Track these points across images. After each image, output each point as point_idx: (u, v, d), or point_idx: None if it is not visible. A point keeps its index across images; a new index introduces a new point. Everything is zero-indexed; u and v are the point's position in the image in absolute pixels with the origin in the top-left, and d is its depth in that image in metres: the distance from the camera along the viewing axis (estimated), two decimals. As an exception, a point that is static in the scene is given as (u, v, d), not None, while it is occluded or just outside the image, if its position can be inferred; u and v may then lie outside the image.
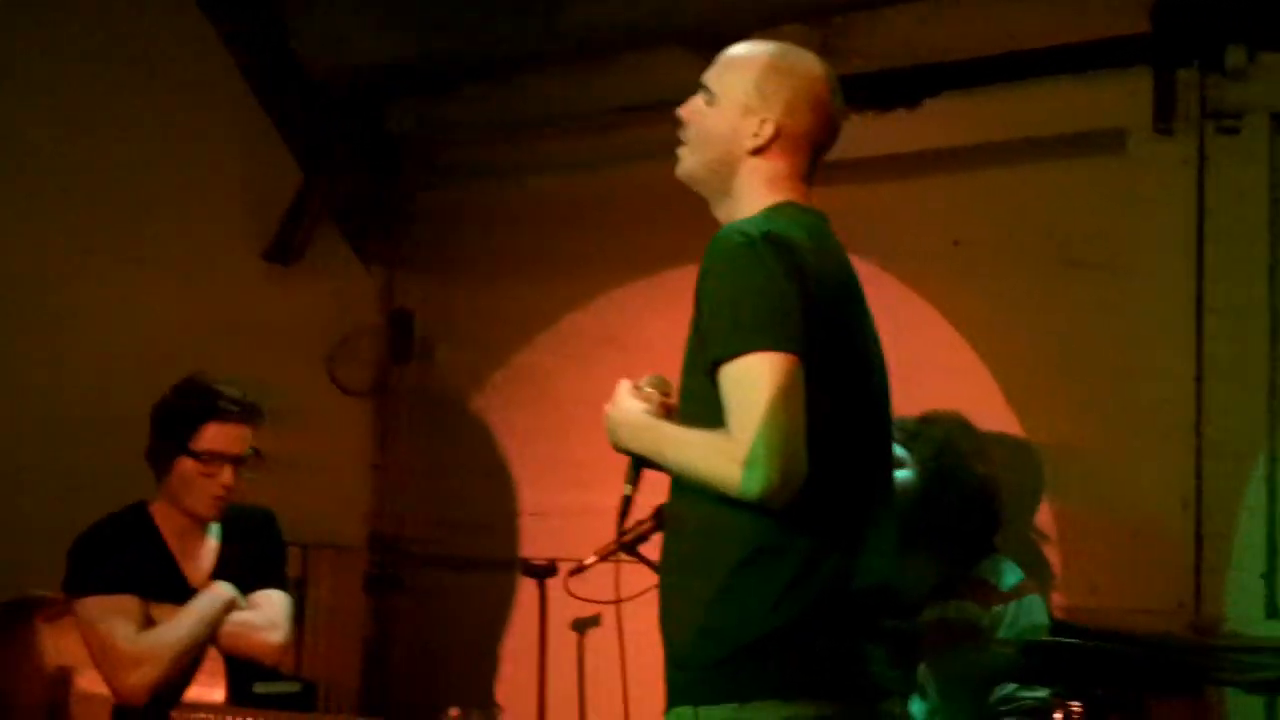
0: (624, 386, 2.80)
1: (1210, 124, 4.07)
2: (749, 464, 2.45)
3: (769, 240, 2.56)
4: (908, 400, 4.17)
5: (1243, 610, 3.97)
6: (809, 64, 2.81)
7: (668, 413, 2.76)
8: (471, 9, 4.97)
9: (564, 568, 4.15)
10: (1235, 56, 4.03)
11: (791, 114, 2.75)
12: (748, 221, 2.64)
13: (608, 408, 2.79)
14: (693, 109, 2.82)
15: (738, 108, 2.76)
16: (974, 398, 4.35)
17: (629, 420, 2.75)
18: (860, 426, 2.66)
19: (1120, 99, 4.19)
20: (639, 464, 2.80)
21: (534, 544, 5.13)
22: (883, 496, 2.73)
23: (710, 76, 2.82)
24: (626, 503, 2.87)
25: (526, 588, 4.72)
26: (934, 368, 4.47)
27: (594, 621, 4.62)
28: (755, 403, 2.46)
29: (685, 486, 2.65)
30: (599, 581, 3.52)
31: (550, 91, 5.19)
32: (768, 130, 2.74)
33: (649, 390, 2.80)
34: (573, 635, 4.24)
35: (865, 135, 4.56)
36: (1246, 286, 4.00)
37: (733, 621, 2.55)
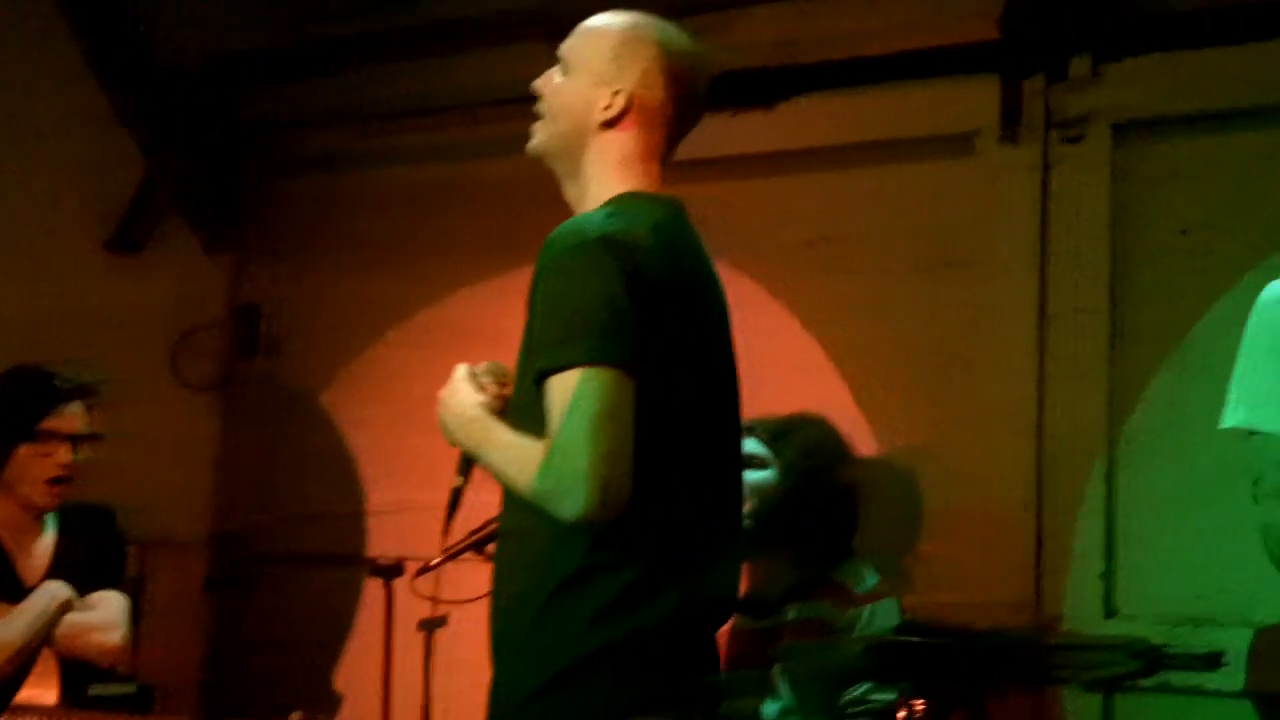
0: (460, 371, 2.61)
1: (1055, 132, 4.14)
2: (569, 485, 2.31)
3: (607, 243, 2.39)
4: (763, 401, 4.17)
5: (1081, 609, 4.05)
6: (670, 35, 2.63)
7: (504, 404, 2.57)
8: (331, -3, 4.91)
9: (412, 566, 4.13)
10: (1079, 66, 4.11)
11: (647, 86, 2.58)
12: (587, 219, 2.48)
13: (442, 393, 2.60)
14: (548, 81, 2.66)
15: (591, 78, 2.59)
16: (827, 398, 4.38)
17: (460, 410, 2.55)
18: (703, 435, 2.53)
19: (970, 104, 4.25)
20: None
21: (382, 542, 5.07)
22: (728, 504, 2.62)
23: (566, 47, 2.66)
24: (456, 495, 2.70)
25: (373, 587, 4.64)
26: (788, 367, 4.49)
27: (441, 622, 4.58)
28: (579, 420, 2.31)
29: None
30: (448, 580, 3.48)
31: (409, 82, 5.14)
32: (620, 102, 2.57)
33: (485, 379, 2.60)
34: (420, 635, 4.20)
35: (723, 134, 4.57)
36: (1087, 290, 4.08)
37: (549, 645, 2.42)
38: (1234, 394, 2.65)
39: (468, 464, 2.67)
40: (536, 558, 2.46)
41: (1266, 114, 3.92)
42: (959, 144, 4.28)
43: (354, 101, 5.27)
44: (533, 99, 2.70)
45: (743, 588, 3.84)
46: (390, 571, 4.40)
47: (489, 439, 2.50)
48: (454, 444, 2.60)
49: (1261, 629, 3.78)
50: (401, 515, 5.10)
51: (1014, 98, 4.17)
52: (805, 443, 3.87)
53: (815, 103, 4.50)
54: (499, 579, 2.56)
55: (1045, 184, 4.16)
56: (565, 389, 2.34)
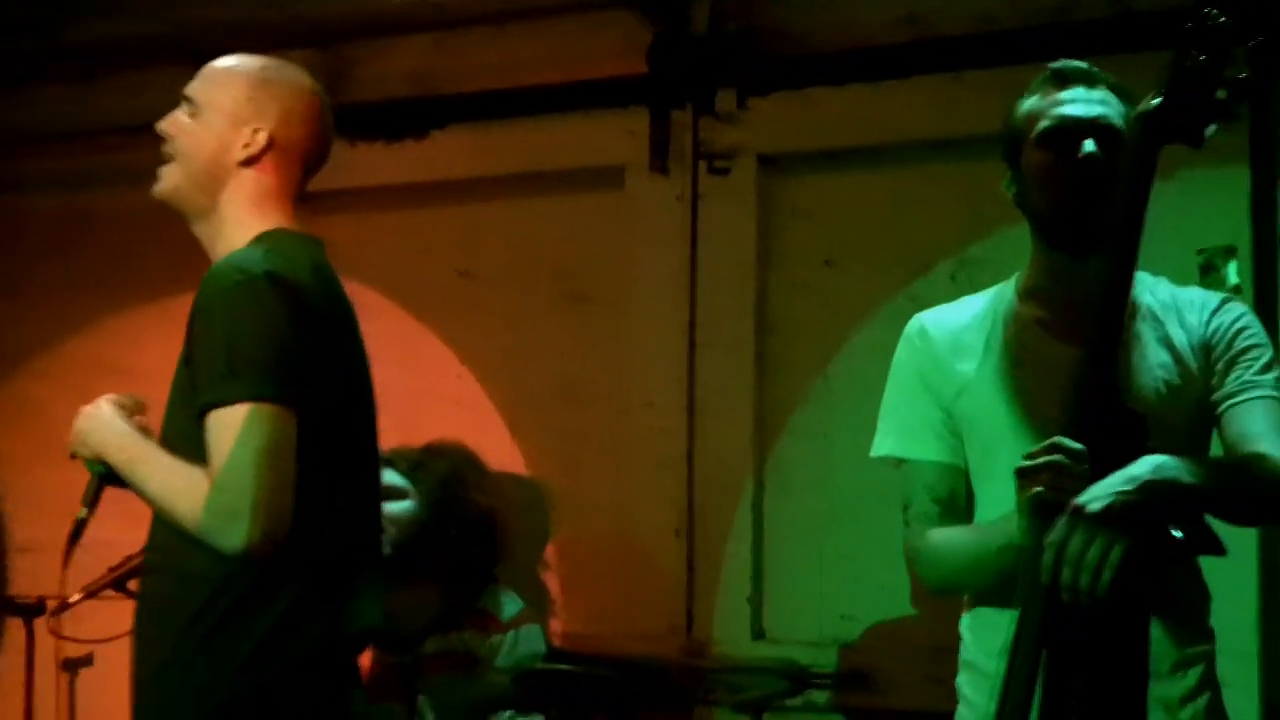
0: (106, 398, 2.60)
1: (703, 164, 4.21)
2: (233, 519, 2.34)
3: (271, 280, 2.44)
4: (413, 431, 4.19)
5: (730, 633, 4.11)
6: (300, 77, 2.73)
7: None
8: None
9: (54, 605, 4.01)
10: (725, 101, 4.19)
11: (286, 125, 2.65)
12: (248, 256, 2.51)
13: (85, 409, 2.58)
14: (175, 122, 2.68)
15: (227, 118, 2.63)
16: (479, 428, 4.38)
17: (113, 426, 2.54)
18: (348, 468, 2.59)
19: (620, 137, 4.30)
20: (102, 483, 2.58)
21: (24, 580, 4.83)
22: (371, 538, 2.66)
23: (195, 89, 2.69)
24: (80, 527, 2.61)
25: (14, 626, 4.48)
26: (440, 399, 4.49)
27: (87, 661, 4.42)
28: (241, 457, 2.35)
29: (164, 522, 2.48)
30: (92, 618, 3.34)
31: (50, 107, 4.94)
32: (261, 139, 2.62)
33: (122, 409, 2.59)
34: (64, 676, 4.04)
35: (374, 164, 4.56)
36: (735, 321, 4.15)
37: (202, 684, 2.42)
38: (882, 424, 2.72)
39: (97, 493, 2.60)
40: (186, 591, 2.45)
41: (902, 150, 4.07)
42: (611, 175, 4.32)
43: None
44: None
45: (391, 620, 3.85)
46: (31, 610, 4.27)
47: (145, 457, 2.50)
48: (92, 456, 2.56)
49: (902, 648, 3.92)
50: (43, 553, 4.86)
51: (663, 130, 4.23)
52: (443, 472, 3.88)
53: (463, 135, 4.49)
54: (143, 616, 2.53)
55: (694, 216, 4.22)
56: (230, 424, 2.37)
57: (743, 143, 4.18)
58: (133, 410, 2.59)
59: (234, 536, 2.34)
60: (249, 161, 2.63)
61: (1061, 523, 2.21)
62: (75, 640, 3.98)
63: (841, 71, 4.09)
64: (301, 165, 2.69)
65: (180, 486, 2.41)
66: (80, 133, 4.82)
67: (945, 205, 3.99)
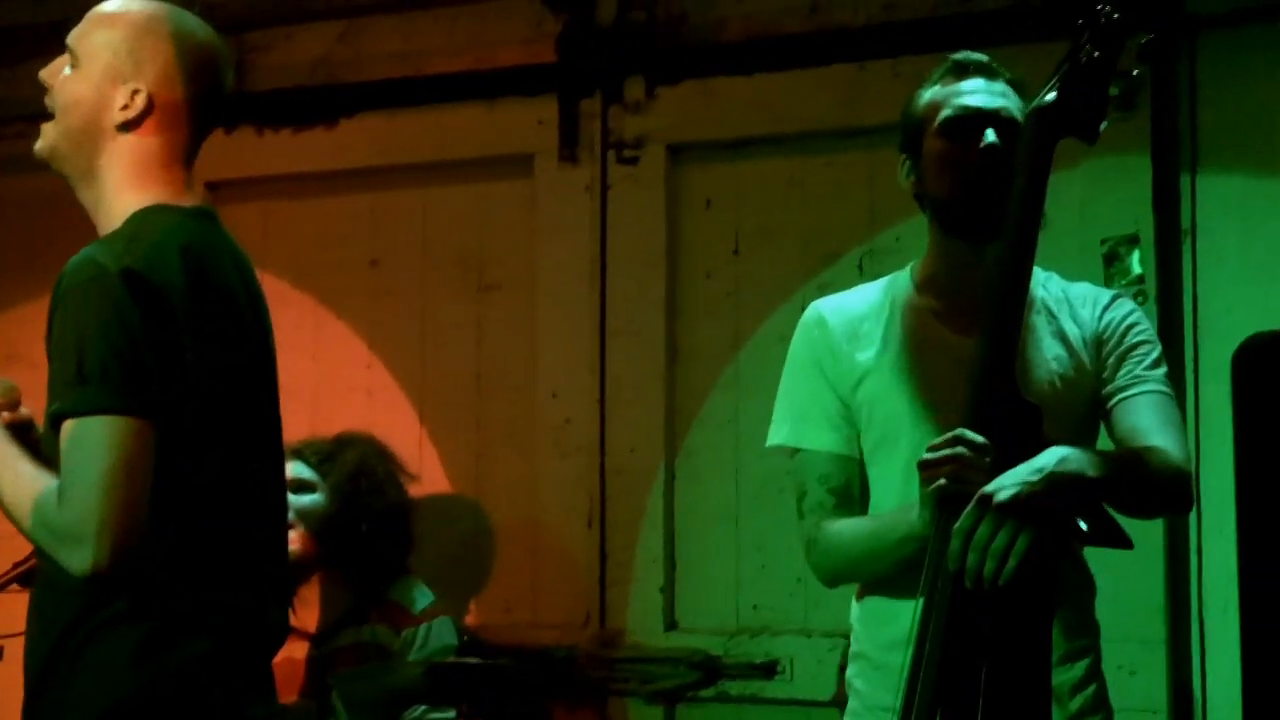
0: None
1: (612, 153, 4.19)
2: (75, 541, 2.17)
3: (128, 278, 2.22)
4: (325, 421, 4.17)
5: (644, 623, 4.10)
6: (190, 26, 2.45)
7: (14, 427, 2.38)
8: None
9: None
10: (634, 89, 4.18)
11: (168, 83, 2.39)
12: (106, 248, 2.29)
13: None
14: (55, 72, 2.44)
15: (105, 72, 2.38)
16: (390, 418, 4.36)
17: None
18: (245, 472, 2.42)
19: (529, 125, 4.27)
20: None
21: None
22: (271, 535, 2.51)
23: (74, 36, 2.43)
24: None
25: (-83, 625, 4.40)
26: (351, 388, 4.46)
27: (-5, 654, 4.36)
28: (89, 473, 2.16)
29: None
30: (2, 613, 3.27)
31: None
32: (140, 101, 2.38)
33: None
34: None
35: (281, 153, 4.51)
36: (645, 310, 4.15)
37: (83, 693, 2.28)
38: (778, 413, 2.71)
39: None
40: (64, 601, 2.31)
41: (808, 139, 4.06)
42: (520, 164, 4.29)
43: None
44: None
45: (302, 615, 3.82)
46: (-63, 606, 4.17)
47: (5, 466, 2.31)
48: None
49: (815, 638, 3.94)
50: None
51: (571, 119, 4.20)
52: (353, 465, 3.83)
53: (372, 122, 4.44)
54: (28, 623, 2.39)
55: (604, 204, 4.21)
56: (79, 436, 2.19)
57: (651, 132, 4.17)
58: (10, 400, 2.40)
59: (78, 560, 2.17)
60: (127, 126, 2.39)
61: (969, 511, 2.22)
62: (-15, 634, 3.96)
63: (748, 61, 4.09)
64: (189, 127, 2.44)
65: (31, 500, 2.24)
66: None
67: (852, 194, 4.00)
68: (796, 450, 2.68)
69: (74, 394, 2.21)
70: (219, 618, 2.34)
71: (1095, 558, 2.58)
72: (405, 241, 4.45)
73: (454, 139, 4.35)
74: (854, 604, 2.67)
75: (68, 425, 2.21)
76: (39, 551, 2.38)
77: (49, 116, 2.47)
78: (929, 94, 2.59)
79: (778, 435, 2.71)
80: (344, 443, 3.92)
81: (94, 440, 2.18)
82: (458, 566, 4.28)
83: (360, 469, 3.84)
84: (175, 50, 2.42)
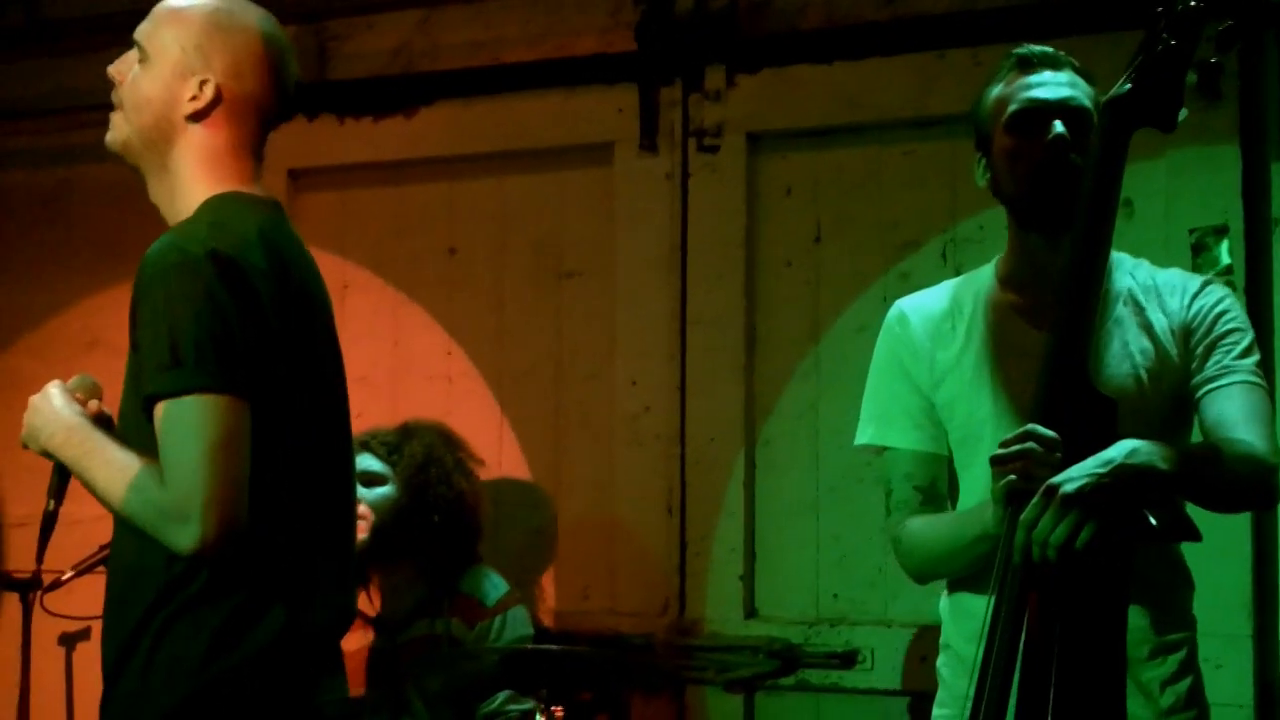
0: (55, 385, 2.44)
1: (692, 141, 4.18)
2: (181, 519, 2.21)
3: (215, 260, 2.28)
4: (404, 407, 4.20)
5: (722, 611, 4.09)
6: (256, 21, 2.51)
7: (93, 421, 2.41)
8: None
9: (49, 580, 4.07)
10: (714, 78, 4.16)
11: (236, 76, 2.45)
12: (189, 233, 2.33)
13: (34, 398, 2.42)
14: (124, 68, 2.50)
15: (174, 68, 2.44)
16: (470, 406, 4.38)
17: (60, 419, 2.38)
18: (315, 454, 2.45)
19: (608, 114, 4.26)
20: (65, 474, 2.43)
21: (20, 556, 4.82)
22: (340, 526, 2.54)
23: (143, 33, 2.50)
24: (49, 521, 2.48)
25: (10, 601, 4.48)
26: (431, 376, 4.47)
27: (84, 635, 4.44)
28: (191, 451, 2.21)
29: (117, 516, 2.36)
30: (89, 592, 3.33)
31: (31, 81, 4.90)
32: (209, 92, 2.44)
33: (76, 394, 2.44)
34: (60, 650, 4.04)
35: (361, 141, 4.54)
36: (724, 298, 4.13)
37: (158, 683, 2.32)
38: (864, 412, 2.75)
39: (60, 486, 2.48)
40: (143, 585, 2.35)
41: (886, 128, 4.04)
42: (599, 153, 4.29)
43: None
44: None
45: (376, 607, 3.85)
46: (27, 585, 4.29)
47: (94, 451, 2.35)
48: (42, 452, 2.42)
49: (894, 628, 3.92)
50: (38, 528, 4.87)
51: (651, 107, 4.19)
52: (421, 455, 3.80)
53: (451, 111, 4.44)
54: (105, 612, 2.44)
55: (684, 193, 4.19)
56: (178, 416, 2.24)
57: (730, 120, 4.15)
58: (88, 394, 2.46)
59: (185, 537, 2.22)
60: (197, 116, 2.45)
61: (1034, 503, 2.22)
62: (68, 617, 4.02)
63: (827, 49, 4.06)
64: (257, 119, 2.50)
65: (130, 484, 2.28)
66: (63, 108, 4.78)
67: (932, 182, 3.97)
68: (882, 449, 2.72)
69: (169, 376, 2.25)
70: (292, 598, 2.38)
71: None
72: (483, 230, 4.46)
73: (531, 128, 4.35)
74: (943, 597, 2.70)
75: (164, 406, 2.26)
76: (115, 541, 2.42)
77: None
78: (995, 91, 2.58)
79: (864, 435, 2.75)
80: (410, 431, 3.89)
81: (193, 420, 2.23)
82: (535, 554, 4.30)
83: (426, 459, 3.80)
84: (242, 44, 2.47)
